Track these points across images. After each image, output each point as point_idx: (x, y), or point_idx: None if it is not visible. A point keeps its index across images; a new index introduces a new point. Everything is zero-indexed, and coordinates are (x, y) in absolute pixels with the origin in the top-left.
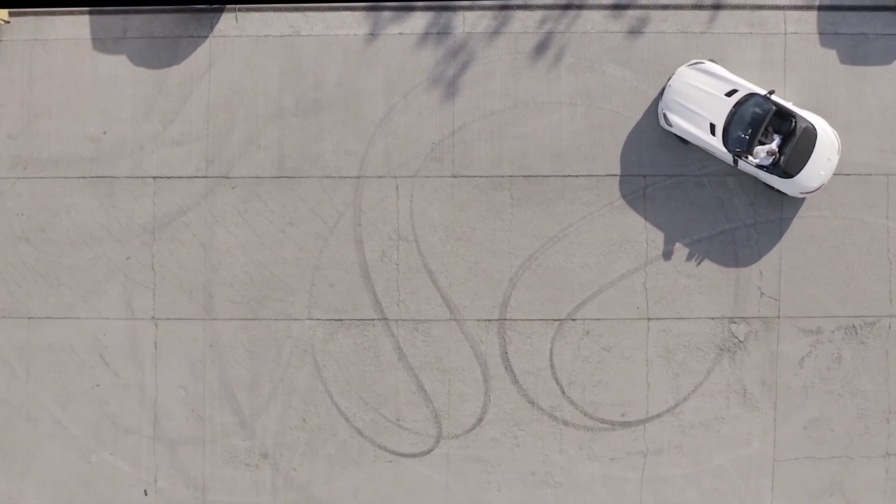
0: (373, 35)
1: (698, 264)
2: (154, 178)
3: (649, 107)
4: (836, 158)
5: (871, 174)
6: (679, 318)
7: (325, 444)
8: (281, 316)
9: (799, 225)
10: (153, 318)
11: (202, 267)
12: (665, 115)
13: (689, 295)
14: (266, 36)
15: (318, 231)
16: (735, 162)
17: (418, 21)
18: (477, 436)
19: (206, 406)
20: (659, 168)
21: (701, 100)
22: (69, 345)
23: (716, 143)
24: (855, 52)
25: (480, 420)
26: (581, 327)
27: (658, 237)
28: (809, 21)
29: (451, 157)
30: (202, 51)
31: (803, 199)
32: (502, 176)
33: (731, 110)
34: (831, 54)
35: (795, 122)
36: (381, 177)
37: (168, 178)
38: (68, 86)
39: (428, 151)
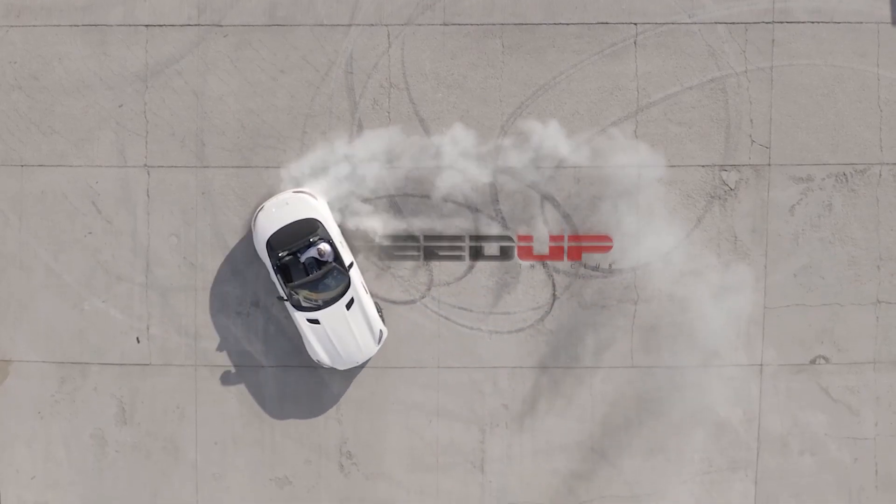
0: None
1: (689, 112)
2: (146, 26)
3: None
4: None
5: (861, 22)
6: (670, 166)
7: None
8: (272, 163)
9: (790, 73)
10: (145, 165)
11: (194, 115)
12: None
13: (679, 143)
14: None
15: (309, 79)
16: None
17: None
18: (468, 283)
19: (197, 254)
20: (649, 16)
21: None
22: (62, 193)
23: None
24: None
25: (472, 268)
26: (572, 174)
27: (649, 85)
28: None
29: (443, 5)
30: None
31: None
32: (493, 24)
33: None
34: None
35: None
36: (372, 25)
37: (160, 26)
38: None
39: None
